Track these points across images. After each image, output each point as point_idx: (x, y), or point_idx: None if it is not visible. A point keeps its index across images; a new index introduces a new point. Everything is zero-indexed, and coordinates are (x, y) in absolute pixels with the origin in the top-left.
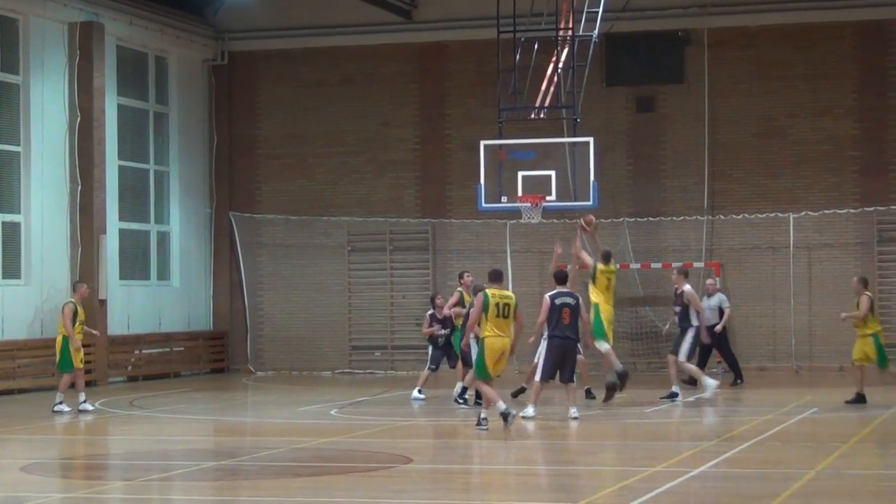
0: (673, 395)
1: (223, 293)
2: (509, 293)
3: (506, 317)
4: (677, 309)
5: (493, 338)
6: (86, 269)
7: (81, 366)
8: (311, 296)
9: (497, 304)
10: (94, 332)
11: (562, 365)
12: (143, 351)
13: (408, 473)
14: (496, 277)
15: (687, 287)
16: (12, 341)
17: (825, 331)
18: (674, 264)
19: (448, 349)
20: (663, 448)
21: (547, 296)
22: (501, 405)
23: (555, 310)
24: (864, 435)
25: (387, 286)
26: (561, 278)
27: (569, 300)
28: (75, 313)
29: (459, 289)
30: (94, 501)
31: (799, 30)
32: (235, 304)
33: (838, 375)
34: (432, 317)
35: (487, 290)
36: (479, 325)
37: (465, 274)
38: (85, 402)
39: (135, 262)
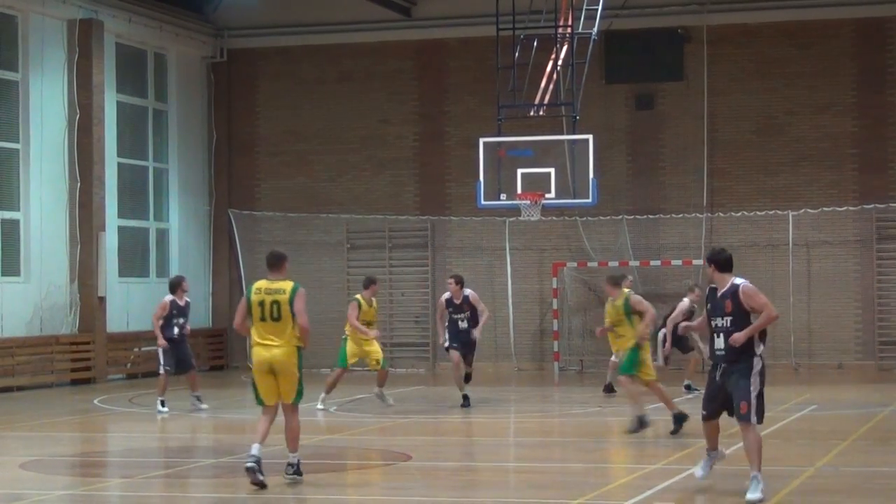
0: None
1: (222, 290)
2: (282, 285)
3: (275, 319)
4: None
5: (257, 348)
6: (85, 267)
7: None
8: (310, 293)
9: (261, 303)
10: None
11: None
12: (143, 348)
13: (407, 470)
14: (271, 263)
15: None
16: (11, 338)
17: (824, 328)
18: (673, 262)
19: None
20: (662, 445)
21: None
22: (255, 448)
23: None
24: (863, 432)
25: (386, 283)
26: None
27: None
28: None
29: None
30: (93, 499)
31: (798, 27)
32: (234, 302)
33: (837, 373)
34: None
35: (256, 285)
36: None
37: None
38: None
39: (134, 260)
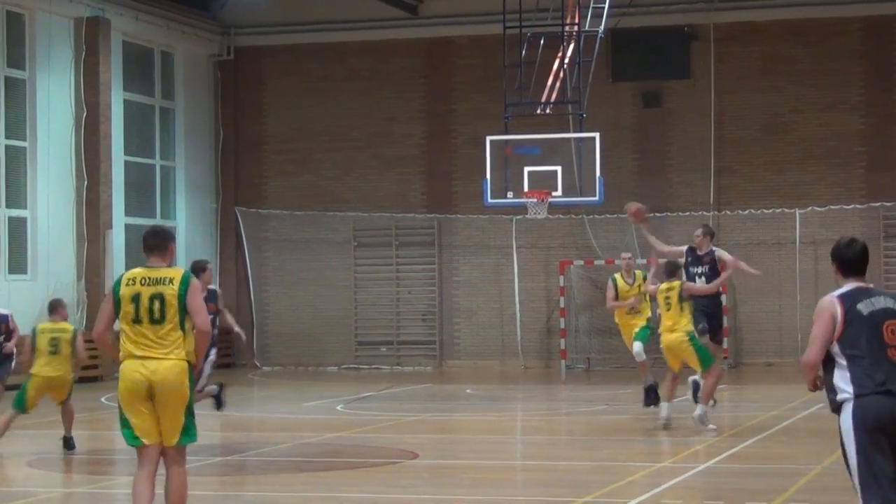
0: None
1: (229, 288)
2: (168, 273)
3: (157, 321)
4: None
5: (128, 363)
6: (92, 265)
7: None
8: (317, 291)
9: (136, 298)
10: None
11: None
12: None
13: (414, 468)
14: (151, 243)
15: None
16: (18, 336)
17: None
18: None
19: None
20: (669, 443)
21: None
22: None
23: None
24: None
25: (393, 281)
26: None
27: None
28: None
29: None
30: (100, 496)
31: (805, 25)
32: (241, 299)
33: None
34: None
35: (129, 274)
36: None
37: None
38: None
39: (141, 258)
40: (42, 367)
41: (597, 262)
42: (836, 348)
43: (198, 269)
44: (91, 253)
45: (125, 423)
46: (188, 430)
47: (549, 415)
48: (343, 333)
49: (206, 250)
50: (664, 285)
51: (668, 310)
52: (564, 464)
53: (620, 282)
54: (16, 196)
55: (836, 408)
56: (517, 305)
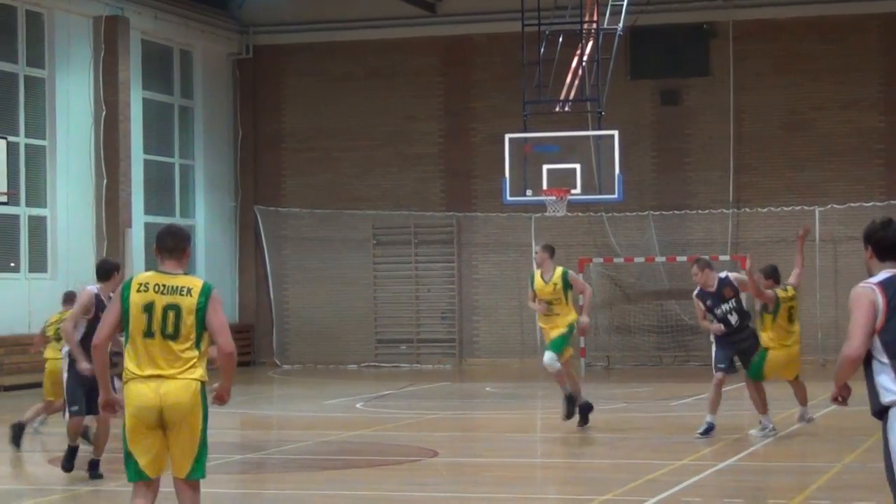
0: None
1: (249, 286)
2: (186, 282)
3: (170, 335)
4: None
5: (134, 384)
6: None
7: None
8: (337, 289)
9: (148, 307)
10: None
11: None
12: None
13: (433, 467)
14: (168, 245)
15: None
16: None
17: None
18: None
19: None
20: (689, 442)
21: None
22: None
23: None
24: None
25: (412, 280)
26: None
27: None
28: None
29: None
30: (122, 494)
31: (825, 22)
32: (261, 298)
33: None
34: None
35: (140, 278)
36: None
37: None
38: None
39: None
40: (48, 353)
41: (616, 260)
42: (877, 343)
43: (111, 269)
44: (110, 251)
45: (128, 455)
46: (200, 462)
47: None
48: (363, 331)
49: (225, 249)
50: (785, 293)
51: (791, 321)
52: (584, 462)
53: (537, 279)
54: (35, 195)
55: (881, 411)
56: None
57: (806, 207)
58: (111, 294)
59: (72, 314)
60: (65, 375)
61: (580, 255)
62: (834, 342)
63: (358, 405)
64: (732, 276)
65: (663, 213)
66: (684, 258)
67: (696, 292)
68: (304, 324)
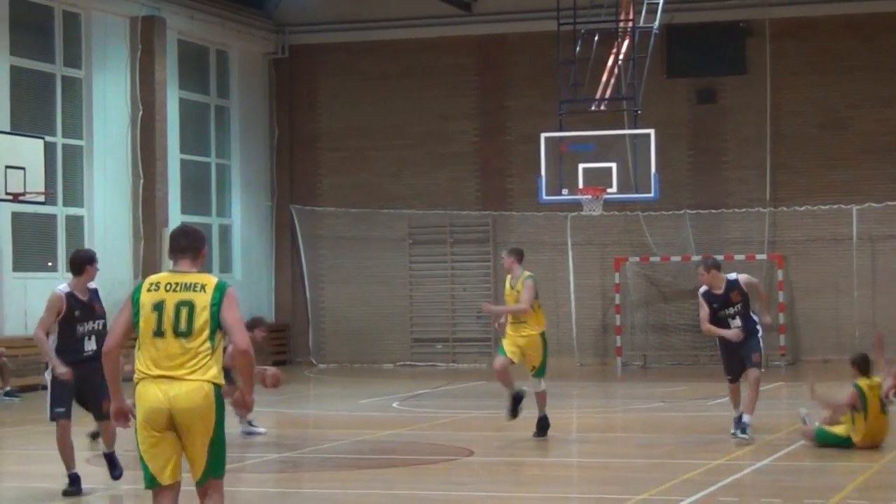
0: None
1: (285, 286)
2: (199, 279)
3: (183, 334)
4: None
5: (145, 385)
6: (148, 263)
7: None
8: (373, 288)
9: (159, 306)
10: None
11: None
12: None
13: (469, 466)
14: (181, 244)
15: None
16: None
17: (889, 323)
18: (736, 256)
19: None
20: (725, 441)
21: None
22: None
23: None
24: None
25: (448, 279)
26: None
27: None
28: None
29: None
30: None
31: (861, 20)
32: (297, 297)
33: None
34: None
35: (153, 279)
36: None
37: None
38: None
39: None
40: None
41: (652, 259)
42: None
43: (84, 261)
44: (147, 251)
45: (142, 460)
46: (219, 460)
47: (604, 412)
48: (398, 331)
49: (261, 248)
50: (866, 381)
51: (884, 411)
52: (620, 461)
53: (507, 284)
54: (72, 194)
55: None
56: (572, 302)
57: (843, 206)
58: (87, 287)
59: (41, 321)
60: (48, 377)
61: (616, 255)
62: (871, 341)
63: (394, 404)
64: (742, 278)
65: (700, 211)
66: (721, 257)
67: (701, 291)
68: (339, 323)
